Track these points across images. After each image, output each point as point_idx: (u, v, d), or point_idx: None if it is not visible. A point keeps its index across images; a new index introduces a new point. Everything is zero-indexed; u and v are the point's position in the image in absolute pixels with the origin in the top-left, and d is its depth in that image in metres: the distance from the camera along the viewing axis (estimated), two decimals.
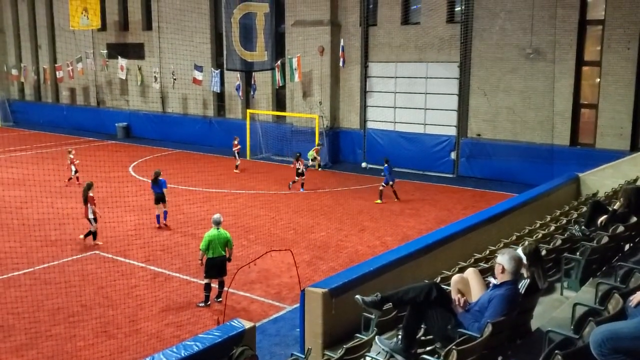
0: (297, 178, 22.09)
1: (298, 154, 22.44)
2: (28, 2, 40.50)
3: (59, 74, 37.93)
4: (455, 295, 5.75)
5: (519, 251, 6.23)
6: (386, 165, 20.52)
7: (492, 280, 5.67)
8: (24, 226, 16.70)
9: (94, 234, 15.60)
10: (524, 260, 6.09)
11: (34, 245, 14.89)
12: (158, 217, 17.43)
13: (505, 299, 5.35)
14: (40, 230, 16.44)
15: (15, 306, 11.57)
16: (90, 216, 15.51)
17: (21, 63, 41.12)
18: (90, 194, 15.62)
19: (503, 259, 5.54)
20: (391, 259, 8.45)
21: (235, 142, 25.94)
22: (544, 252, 7.22)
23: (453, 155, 24.49)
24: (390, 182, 20.56)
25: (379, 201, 20.26)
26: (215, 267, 11.93)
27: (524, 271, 6.14)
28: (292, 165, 22.76)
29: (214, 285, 12.09)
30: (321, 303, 7.11)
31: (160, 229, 17.06)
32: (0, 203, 18.08)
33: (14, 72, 41.21)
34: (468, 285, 5.86)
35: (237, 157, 25.74)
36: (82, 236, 15.80)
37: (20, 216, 17.68)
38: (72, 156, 22.85)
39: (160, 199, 17.35)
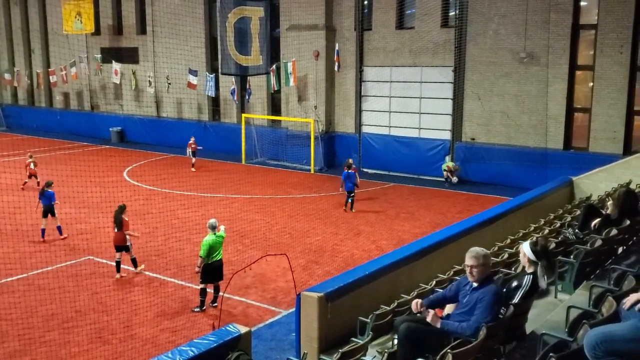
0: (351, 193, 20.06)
1: (350, 161, 20.60)
2: (21, 6, 40.39)
3: (53, 79, 37.86)
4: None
5: (527, 245, 6.26)
6: (346, 170, 19.48)
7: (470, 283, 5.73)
8: (17, 232, 16.62)
9: (134, 261, 13.89)
10: (531, 256, 6.14)
11: (27, 250, 14.85)
12: (43, 231, 16.15)
13: (495, 296, 5.49)
14: (34, 235, 16.41)
15: (9, 312, 11.52)
16: (128, 244, 13.75)
17: (14, 67, 40.99)
18: (125, 218, 13.83)
19: (472, 260, 5.62)
20: (386, 263, 8.47)
21: (191, 142, 26.83)
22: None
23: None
24: (344, 189, 19.40)
25: (348, 210, 19.48)
26: (213, 272, 11.89)
27: (527, 266, 6.19)
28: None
29: (209, 290, 12.07)
30: (317, 307, 7.11)
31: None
32: None
33: (7, 76, 41.07)
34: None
35: (192, 157, 26.59)
36: (118, 275, 13.63)
37: (13, 221, 17.59)
38: (31, 160, 22.01)
39: (48, 211, 16.31)
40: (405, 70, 25.35)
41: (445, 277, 8.41)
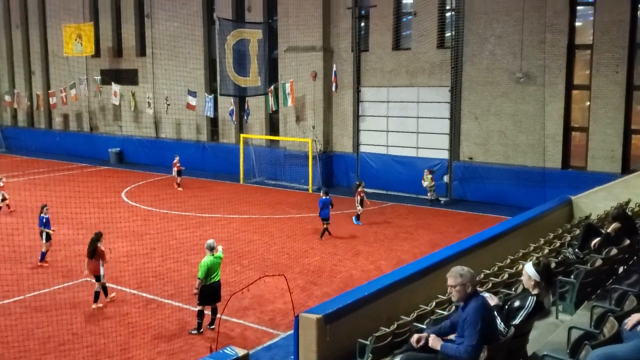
0: (360, 208, 20.50)
1: (360, 182, 20.83)
2: (22, 29, 40.70)
3: (53, 100, 37.99)
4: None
5: (530, 267, 6.16)
6: (324, 197, 18.75)
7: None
8: (15, 253, 16.52)
9: (104, 290, 13.34)
10: (536, 277, 6.05)
11: (24, 272, 14.77)
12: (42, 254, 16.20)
13: (475, 310, 5.40)
14: (32, 257, 16.32)
15: (5, 335, 11.40)
16: (102, 273, 13.16)
17: (14, 89, 41.18)
18: (102, 247, 13.43)
19: (450, 279, 5.59)
20: (386, 284, 8.41)
21: (175, 161, 27.45)
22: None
23: (446, 178, 24.56)
24: (323, 217, 18.57)
25: (328, 233, 18.68)
26: (211, 294, 11.74)
27: (532, 288, 6.10)
28: (356, 194, 20.67)
29: (207, 312, 11.97)
30: (315, 329, 7.03)
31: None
32: None
33: (7, 98, 41.24)
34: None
35: (177, 176, 27.09)
36: (94, 305, 13.05)
37: (11, 243, 17.50)
38: (1, 184, 21.88)
39: (47, 236, 16.28)
40: (402, 91, 25.47)
41: (445, 297, 8.34)
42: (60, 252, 16.55)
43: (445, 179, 24.60)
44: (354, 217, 20.68)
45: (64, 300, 13.33)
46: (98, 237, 13.42)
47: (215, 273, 11.78)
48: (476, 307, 5.42)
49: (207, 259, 11.75)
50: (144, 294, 13.82)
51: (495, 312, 5.64)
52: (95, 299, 13.01)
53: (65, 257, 16.26)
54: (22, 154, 38.10)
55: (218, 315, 11.73)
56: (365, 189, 25.70)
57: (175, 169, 27.53)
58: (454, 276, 5.58)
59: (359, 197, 20.50)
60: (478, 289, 6.02)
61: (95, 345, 11.10)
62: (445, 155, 24.69)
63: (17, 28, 40.93)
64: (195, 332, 11.66)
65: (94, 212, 19.79)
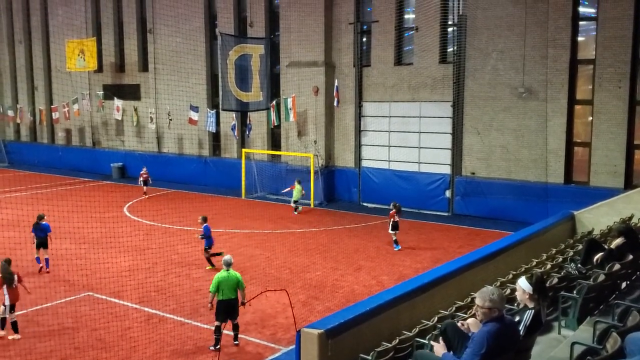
0: (391, 232, 19.36)
1: (396, 202, 19.64)
2: (25, 44, 41.00)
3: (55, 115, 38.14)
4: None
5: (523, 281, 6.16)
6: (206, 224, 17.39)
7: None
8: (17, 267, 16.47)
9: (14, 325, 12.15)
10: (530, 290, 6.05)
11: (27, 286, 14.71)
12: (38, 259, 16.53)
13: (486, 335, 5.32)
14: (34, 271, 16.31)
15: (7, 349, 11.38)
16: (7, 303, 12.05)
17: (17, 104, 41.38)
18: (15, 272, 12.50)
19: (478, 299, 5.55)
20: (387, 299, 8.37)
21: (143, 172, 29.14)
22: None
23: (448, 193, 24.56)
24: (207, 247, 17.27)
25: (209, 267, 17.04)
26: (225, 310, 11.60)
27: (528, 302, 6.09)
28: (389, 217, 19.62)
29: (223, 330, 11.69)
30: (317, 344, 7.00)
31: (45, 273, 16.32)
32: None
33: (10, 113, 41.40)
34: (476, 327, 5.83)
35: (144, 185, 28.67)
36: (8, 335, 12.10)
37: (14, 257, 17.44)
38: None
39: (42, 244, 16.49)
40: (404, 106, 25.56)
41: (447, 312, 8.32)
42: (62, 267, 16.55)
43: (447, 194, 24.61)
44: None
45: (66, 314, 13.29)
46: (9, 263, 12.54)
47: (229, 290, 11.60)
48: (490, 332, 5.33)
49: (220, 273, 11.71)
50: (146, 309, 13.78)
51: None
52: (16, 329, 12.15)
53: (67, 271, 16.25)
54: (25, 168, 38.20)
55: (224, 331, 11.65)
56: (367, 204, 25.72)
57: (141, 178, 29.01)
58: (484, 298, 5.49)
59: (391, 221, 19.27)
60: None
61: None
62: (447, 170, 24.71)
63: (20, 43, 41.23)
64: (212, 348, 11.49)
65: (96, 227, 19.80)
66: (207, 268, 16.90)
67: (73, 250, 18.05)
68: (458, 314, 8.21)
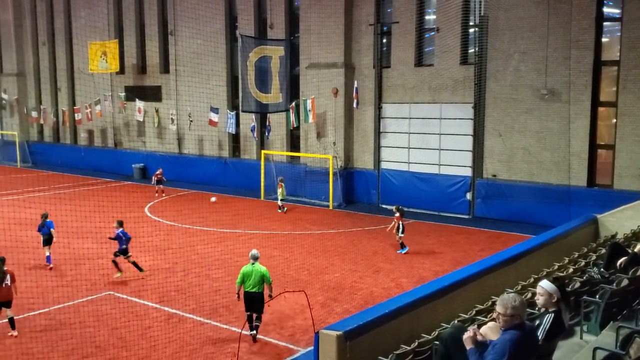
0: (400, 236, 19.06)
1: (399, 206, 19.44)
2: (49, 46, 41.64)
3: (78, 116, 38.65)
4: (471, 331, 5.64)
5: (547, 282, 6.05)
6: (122, 229, 16.42)
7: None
8: (39, 266, 16.79)
9: (11, 321, 12.35)
10: (553, 291, 5.93)
11: (49, 285, 14.93)
12: (48, 257, 17.08)
13: (508, 343, 5.24)
14: (56, 270, 16.54)
15: (30, 347, 11.54)
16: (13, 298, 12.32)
17: (41, 105, 42.01)
18: (9, 270, 12.49)
19: (499, 307, 5.45)
20: (407, 301, 8.32)
21: (158, 172, 30.02)
22: None
23: (468, 196, 24.38)
24: (118, 252, 16.19)
25: (118, 274, 16.10)
26: (249, 302, 11.98)
27: (549, 304, 5.99)
28: (394, 222, 19.20)
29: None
30: (335, 346, 6.98)
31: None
32: (17, 243, 18.17)
33: (34, 114, 42.06)
34: (495, 332, 5.75)
35: (157, 185, 29.33)
36: (14, 333, 12.25)
37: (36, 256, 17.78)
38: None
39: (47, 241, 17.10)
40: (424, 107, 25.44)
41: (467, 316, 8.25)
42: (84, 266, 16.75)
43: (468, 196, 24.43)
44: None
45: (88, 313, 13.45)
46: (3, 261, 12.43)
47: (252, 283, 11.90)
48: (512, 340, 5.22)
49: (245, 267, 12.07)
50: (166, 308, 13.88)
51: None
52: (14, 326, 12.29)
53: (89, 270, 16.43)
54: (48, 169, 38.74)
55: (237, 330, 11.71)
56: (386, 206, 25.65)
57: (155, 178, 29.77)
58: (505, 305, 5.39)
59: (399, 224, 18.90)
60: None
61: (117, 358, 11.18)
62: (468, 172, 24.53)
63: (43, 45, 41.90)
64: (248, 332, 11.91)
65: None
66: (115, 276, 15.98)
67: (95, 250, 18.26)
68: (478, 317, 8.14)
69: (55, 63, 41.62)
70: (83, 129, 39.92)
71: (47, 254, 17.21)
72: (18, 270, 15.25)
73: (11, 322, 12.28)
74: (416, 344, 7.23)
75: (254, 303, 11.95)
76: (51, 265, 17.13)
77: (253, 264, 12.03)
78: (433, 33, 25.40)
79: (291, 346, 11.87)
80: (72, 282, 15.32)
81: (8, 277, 12.30)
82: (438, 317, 8.40)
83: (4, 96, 43.40)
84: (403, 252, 18.85)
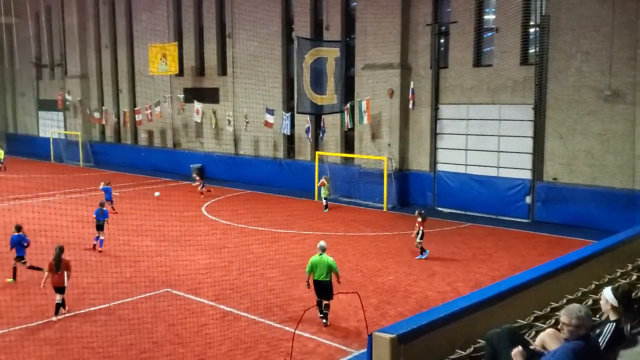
0: (419, 241, 18.54)
1: (422, 211, 18.82)
2: (111, 49, 43.06)
3: (138, 117, 39.79)
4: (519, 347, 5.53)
5: (608, 291, 5.89)
6: (20, 233, 15.64)
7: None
8: (101, 263, 17.33)
9: (62, 303, 13.30)
10: (613, 302, 5.78)
11: (109, 281, 15.42)
12: (97, 237, 18.92)
13: (571, 352, 5.06)
14: (116, 267, 17.05)
15: (91, 341, 11.92)
16: (65, 285, 13.25)
17: (103, 106, 43.48)
18: (66, 259, 13.55)
19: (564, 317, 5.29)
20: (463, 306, 8.17)
21: (196, 177, 30.88)
22: None
23: (528, 199, 23.75)
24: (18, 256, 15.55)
25: (10, 280, 15.66)
26: (319, 289, 12.89)
27: (611, 314, 5.82)
28: (416, 227, 18.44)
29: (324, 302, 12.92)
30: (389, 349, 6.91)
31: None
32: (79, 240, 18.87)
33: (96, 115, 43.56)
34: (555, 340, 5.59)
35: (198, 184, 29.74)
36: (55, 317, 13.12)
37: (97, 253, 18.40)
38: None
39: (100, 226, 18.91)
40: (482, 108, 24.96)
41: (525, 322, 8.03)
42: (143, 263, 17.19)
43: (528, 199, 23.78)
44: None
45: (146, 309, 13.79)
46: (62, 250, 13.40)
47: (320, 272, 12.75)
48: (575, 350, 5.08)
49: (314, 257, 12.95)
50: (221, 306, 14.09)
51: None
52: (57, 312, 13.11)
53: (147, 267, 16.86)
54: (109, 168, 40.01)
55: (290, 329, 11.75)
56: (442, 209, 25.29)
57: (196, 179, 30.70)
58: (571, 316, 5.25)
59: (421, 230, 18.31)
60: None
61: (174, 355, 11.41)
62: (527, 175, 23.90)
63: (106, 48, 43.38)
64: (323, 321, 12.88)
65: (176, 225, 20.51)
66: (7, 280, 15.65)
67: (153, 248, 18.74)
68: (536, 323, 7.92)
69: (117, 66, 43.00)
70: (143, 129, 41.06)
71: (101, 237, 18.84)
72: (79, 266, 15.83)
73: (57, 306, 13.11)
74: (472, 349, 7.09)
75: (324, 291, 12.84)
76: (100, 249, 18.52)
77: (321, 254, 12.88)
78: (492, 33, 24.90)
79: (344, 347, 11.84)
80: (132, 278, 15.76)
81: (63, 265, 13.25)
82: (495, 323, 8.20)
83: (68, 98, 45.12)
84: (423, 257, 18.40)
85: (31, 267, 15.56)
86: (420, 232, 18.32)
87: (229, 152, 35.32)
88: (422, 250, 18.50)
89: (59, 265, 13.17)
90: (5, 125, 54.09)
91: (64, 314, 13.33)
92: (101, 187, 24.63)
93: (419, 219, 18.33)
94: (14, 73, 52.88)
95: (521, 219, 23.77)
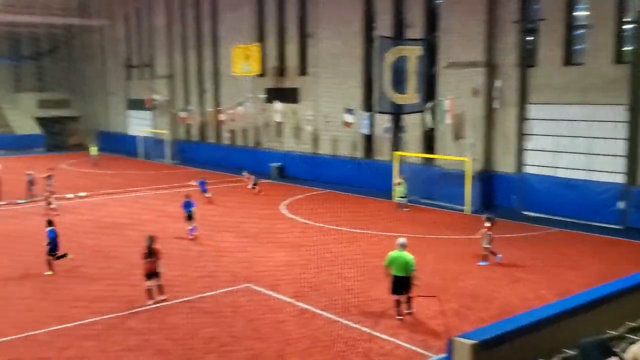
0: (486, 247, 17.80)
1: (490, 216, 18.06)
2: (196, 51, 44.47)
3: (222, 117, 40.84)
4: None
5: None
6: (52, 227, 16.14)
7: None
8: (185, 257, 17.90)
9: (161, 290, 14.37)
10: None
11: (193, 275, 15.89)
12: (191, 229, 20.19)
13: None
14: (199, 261, 17.54)
15: (174, 332, 12.32)
16: (161, 269, 14.27)
17: (188, 106, 44.95)
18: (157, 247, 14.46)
19: None
20: (548, 314, 7.83)
21: (247, 175, 31.61)
22: None
23: (621, 204, 22.46)
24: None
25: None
26: (397, 285, 12.97)
27: None
28: (483, 230, 17.81)
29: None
30: (470, 355, 6.71)
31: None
32: (165, 234, 19.53)
33: (182, 114, 45.11)
34: None
35: (251, 179, 30.66)
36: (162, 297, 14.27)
37: (183, 247, 19.03)
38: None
39: (189, 216, 20.27)
40: (572, 108, 23.86)
41: (615, 333, 7.59)
42: (224, 259, 17.60)
43: (621, 205, 22.48)
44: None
45: (226, 303, 14.11)
46: (153, 239, 14.41)
47: (398, 267, 12.90)
48: None
49: (393, 252, 13.16)
50: (300, 304, 14.19)
51: None
52: (150, 296, 14.14)
53: (229, 262, 17.24)
54: (194, 166, 41.28)
55: (376, 332, 11.70)
56: (528, 212, 24.37)
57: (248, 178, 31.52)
58: None
59: (488, 234, 17.69)
60: None
61: (253, 349, 11.59)
62: (620, 179, 22.64)
63: (191, 49, 44.83)
64: (398, 317, 13.02)
65: (256, 222, 20.90)
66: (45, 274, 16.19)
67: (235, 244, 19.15)
68: (628, 335, 7.47)
69: (202, 67, 44.35)
70: (226, 129, 42.11)
71: (191, 226, 20.12)
72: (165, 259, 16.33)
73: (149, 292, 14.13)
74: (557, 359, 6.77)
75: (401, 286, 12.95)
76: (191, 236, 19.74)
77: (400, 251, 13.05)
78: (583, 30, 23.78)
79: (422, 351, 11.63)
80: (214, 272, 16.16)
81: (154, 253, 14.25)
82: (582, 333, 7.81)
83: (156, 97, 46.97)
84: (484, 263, 17.67)
85: (58, 258, 16.56)
86: (488, 236, 17.71)
87: (308, 152, 35.60)
88: (484, 258, 17.71)
89: (151, 253, 14.11)
90: (98, 123, 56.99)
91: (162, 301, 14.05)
92: (197, 182, 27.71)
93: (487, 224, 17.73)
94: (105, 73, 55.66)
95: (613, 225, 22.51)
